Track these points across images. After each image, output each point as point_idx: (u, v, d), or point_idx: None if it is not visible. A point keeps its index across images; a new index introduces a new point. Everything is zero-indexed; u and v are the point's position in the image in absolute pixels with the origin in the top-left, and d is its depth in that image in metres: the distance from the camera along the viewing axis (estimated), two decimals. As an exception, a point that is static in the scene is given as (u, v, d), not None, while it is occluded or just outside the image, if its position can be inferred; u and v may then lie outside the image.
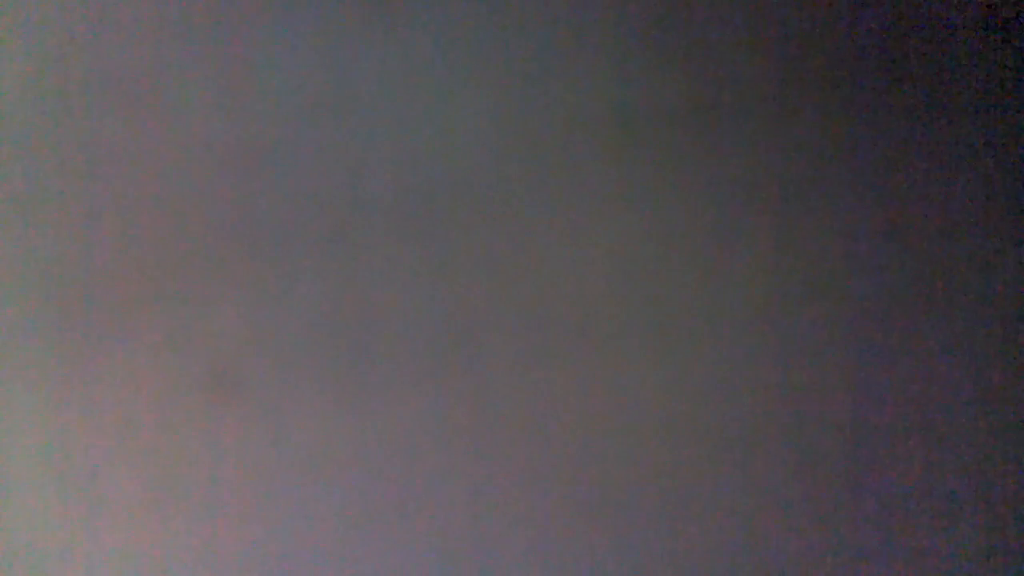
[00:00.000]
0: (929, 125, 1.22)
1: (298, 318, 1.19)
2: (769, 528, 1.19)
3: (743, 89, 1.22)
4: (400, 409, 1.19)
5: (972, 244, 1.21)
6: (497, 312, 1.20)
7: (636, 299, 1.20)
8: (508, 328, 1.20)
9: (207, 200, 1.20)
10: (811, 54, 1.22)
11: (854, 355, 1.20)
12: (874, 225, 1.21)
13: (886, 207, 1.21)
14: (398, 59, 1.22)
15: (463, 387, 1.19)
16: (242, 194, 1.20)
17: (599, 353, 1.20)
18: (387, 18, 1.22)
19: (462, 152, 1.21)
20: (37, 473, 1.18)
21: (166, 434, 1.18)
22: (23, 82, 1.21)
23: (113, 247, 1.20)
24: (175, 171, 1.21)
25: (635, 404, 1.19)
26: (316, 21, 1.22)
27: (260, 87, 1.21)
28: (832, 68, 1.22)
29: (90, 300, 1.19)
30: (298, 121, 1.21)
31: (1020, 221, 1.21)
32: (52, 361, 1.19)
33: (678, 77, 1.22)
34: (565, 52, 1.22)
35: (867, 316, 1.20)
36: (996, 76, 1.22)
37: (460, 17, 1.22)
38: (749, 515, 1.19)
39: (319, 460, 1.18)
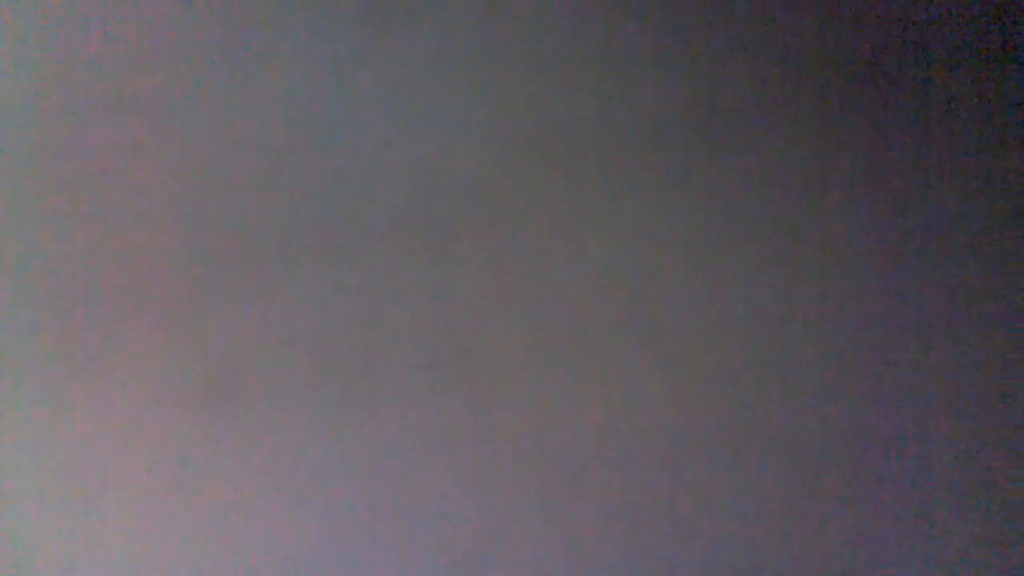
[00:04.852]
0: (934, 130, 1.22)
1: (298, 327, 1.19)
2: (769, 530, 1.19)
3: (744, 96, 1.22)
4: (401, 418, 1.19)
5: (975, 246, 1.21)
6: (500, 321, 1.20)
7: (640, 308, 1.20)
8: (511, 337, 1.20)
9: (208, 208, 1.20)
10: (812, 60, 1.22)
11: (854, 359, 1.20)
12: (876, 230, 1.21)
13: (888, 211, 1.21)
14: (400, 68, 1.22)
15: (465, 396, 1.19)
16: (242, 202, 1.21)
17: (602, 361, 1.20)
18: (390, 29, 1.22)
19: (464, 161, 1.21)
20: (36, 479, 1.18)
21: (165, 441, 1.18)
22: (27, 91, 1.21)
23: (114, 255, 1.20)
24: (176, 179, 1.21)
25: (638, 412, 1.19)
26: (318, 31, 1.22)
27: (262, 95, 1.21)
28: (833, 74, 1.22)
29: (90, 307, 1.19)
30: (298, 131, 1.21)
31: (1022, 222, 1.21)
32: (51, 368, 1.19)
33: (679, 84, 1.22)
34: (567, 59, 1.22)
35: (867, 319, 1.20)
36: (999, 79, 1.22)
37: (462, 27, 1.22)
38: (751, 519, 1.19)
39: (318, 470, 1.18)
